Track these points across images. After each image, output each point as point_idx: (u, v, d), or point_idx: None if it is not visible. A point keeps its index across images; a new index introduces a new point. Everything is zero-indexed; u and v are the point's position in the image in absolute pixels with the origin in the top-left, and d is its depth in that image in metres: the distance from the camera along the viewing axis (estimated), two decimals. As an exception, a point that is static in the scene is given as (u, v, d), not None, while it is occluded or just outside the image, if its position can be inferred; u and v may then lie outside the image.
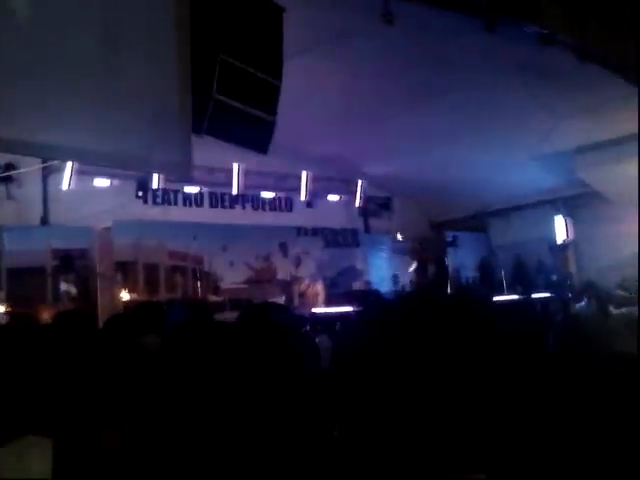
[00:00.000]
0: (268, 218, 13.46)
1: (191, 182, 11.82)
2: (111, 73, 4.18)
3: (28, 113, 3.78)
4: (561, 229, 14.03)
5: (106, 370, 2.59)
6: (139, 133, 4.44)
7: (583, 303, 7.72)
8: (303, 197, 13.74)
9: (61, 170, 10.50)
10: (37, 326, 3.30)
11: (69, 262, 10.13)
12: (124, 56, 4.25)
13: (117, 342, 2.89)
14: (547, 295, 11.74)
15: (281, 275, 12.96)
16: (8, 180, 10.03)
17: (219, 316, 8.12)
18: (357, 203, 14.79)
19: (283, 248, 13.11)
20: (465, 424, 0.96)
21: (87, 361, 2.62)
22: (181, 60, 4.69)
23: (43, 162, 9.95)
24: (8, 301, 9.15)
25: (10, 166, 9.92)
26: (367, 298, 11.00)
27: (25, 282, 9.70)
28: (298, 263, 13.29)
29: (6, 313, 8.95)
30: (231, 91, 5.67)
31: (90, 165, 8.51)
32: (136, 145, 4.50)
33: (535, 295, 11.20)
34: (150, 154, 4.75)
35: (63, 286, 10.04)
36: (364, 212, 15.23)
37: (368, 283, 13.80)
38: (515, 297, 11.74)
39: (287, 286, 12.71)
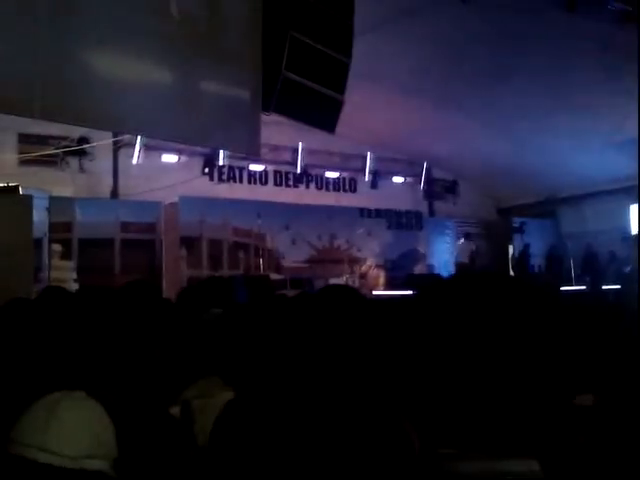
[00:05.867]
0: (331, 198, 13.40)
1: (256, 160, 11.90)
2: (184, 49, 4.19)
3: (103, 85, 3.84)
4: (636, 219, 13.39)
5: (176, 339, 2.61)
6: (209, 109, 4.45)
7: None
8: (367, 177, 13.69)
9: (131, 145, 10.75)
10: (107, 294, 3.38)
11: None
12: (196, 31, 4.25)
13: (187, 314, 2.93)
14: (617, 288, 11.28)
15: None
16: (81, 154, 10.33)
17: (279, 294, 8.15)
18: (422, 185, 14.67)
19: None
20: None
21: (157, 330, 2.65)
22: (253, 37, 4.66)
23: (114, 137, 10.20)
24: (78, 270, 9.48)
25: (83, 140, 10.20)
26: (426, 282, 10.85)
27: (94, 252, 10.01)
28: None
29: (76, 281, 9.27)
30: (300, 68, 5.61)
31: (162, 139, 8.58)
32: (206, 121, 4.52)
33: (605, 287, 10.77)
34: (220, 130, 4.76)
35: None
36: (429, 195, 15.00)
37: (430, 267, 13.61)
38: (583, 288, 11.36)
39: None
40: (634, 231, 13.47)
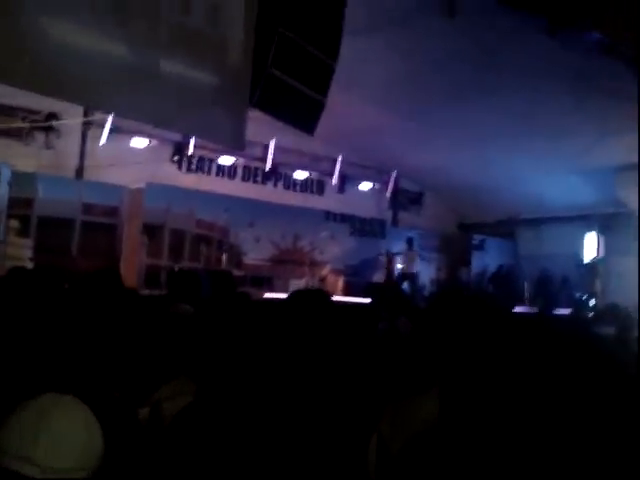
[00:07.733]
0: (298, 198, 13.38)
1: (227, 153, 11.81)
2: (178, 38, 4.13)
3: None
4: (591, 246, 13.78)
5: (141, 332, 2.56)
6: (199, 99, 4.39)
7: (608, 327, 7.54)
8: (335, 181, 13.72)
9: (101, 126, 10.51)
10: (73, 280, 3.28)
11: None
12: (191, 22, 4.20)
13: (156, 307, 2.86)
14: (569, 313, 11.57)
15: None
16: (49, 130, 10.06)
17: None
18: (388, 194, 14.78)
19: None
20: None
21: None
22: (245, 29, 4.62)
23: (85, 116, 9.97)
24: (35, 249, 9.21)
25: (52, 116, 9.94)
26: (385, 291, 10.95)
27: (53, 232, 9.77)
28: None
29: (31, 260, 9.00)
30: (286, 66, 5.59)
31: (130, 118, 8.23)
32: (195, 111, 4.45)
33: (557, 311, 11.07)
34: (199, 117, 4.70)
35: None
36: (394, 204, 15.13)
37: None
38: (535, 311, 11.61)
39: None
40: (587, 259, 13.86)
